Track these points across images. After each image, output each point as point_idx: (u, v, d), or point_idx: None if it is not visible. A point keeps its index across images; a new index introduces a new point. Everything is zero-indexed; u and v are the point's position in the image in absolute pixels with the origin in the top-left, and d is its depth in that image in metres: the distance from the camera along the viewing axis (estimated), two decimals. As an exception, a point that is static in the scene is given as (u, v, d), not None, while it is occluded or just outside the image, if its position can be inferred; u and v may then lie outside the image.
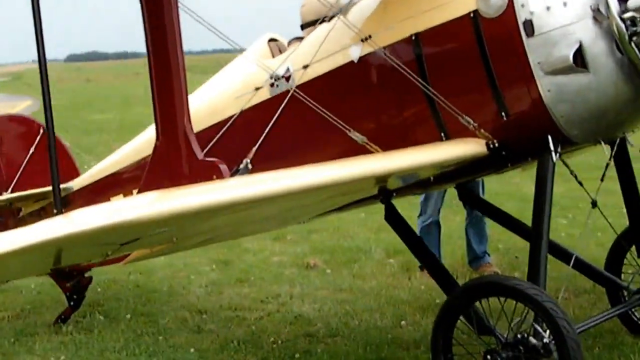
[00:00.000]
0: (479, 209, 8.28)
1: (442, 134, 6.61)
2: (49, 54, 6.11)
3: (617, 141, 6.89)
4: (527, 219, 11.71)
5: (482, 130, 6.42)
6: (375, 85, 6.81)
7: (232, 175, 6.35)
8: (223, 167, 5.93)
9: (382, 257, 10.93)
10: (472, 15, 6.37)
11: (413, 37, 6.62)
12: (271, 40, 7.75)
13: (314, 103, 6.57)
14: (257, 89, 7.14)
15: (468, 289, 6.33)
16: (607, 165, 7.08)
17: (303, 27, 7.55)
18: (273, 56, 7.65)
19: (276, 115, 6.96)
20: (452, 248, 10.92)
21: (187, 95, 6.13)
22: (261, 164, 6.88)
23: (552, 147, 6.34)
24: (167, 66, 6.12)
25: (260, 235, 12.03)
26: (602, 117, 6.31)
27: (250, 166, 6.48)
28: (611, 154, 7.03)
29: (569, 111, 6.23)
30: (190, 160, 6.05)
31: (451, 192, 10.31)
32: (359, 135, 6.55)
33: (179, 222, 5.00)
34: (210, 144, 7.07)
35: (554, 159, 6.36)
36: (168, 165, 6.09)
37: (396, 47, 6.72)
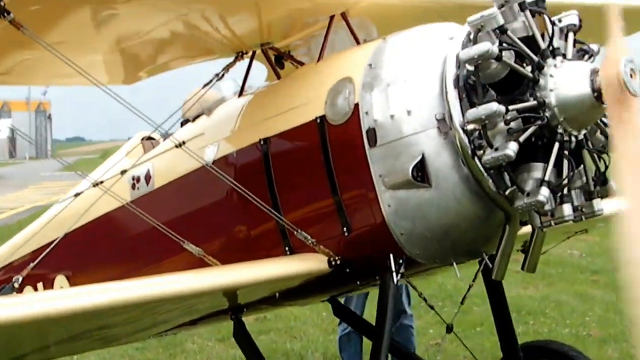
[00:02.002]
0: (353, 326, 7.54)
1: (287, 249, 5.99)
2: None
3: (483, 261, 6.05)
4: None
5: (321, 246, 5.79)
6: (220, 194, 6.24)
7: None
8: None
9: (312, 364, 10.13)
10: (318, 120, 5.76)
11: (261, 142, 6.04)
12: (147, 138, 7.22)
13: (143, 212, 5.98)
14: (77, 194, 6.61)
15: None
16: (470, 287, 6.30)
17: (182, 124, 7.04)
18: None
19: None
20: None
21: None
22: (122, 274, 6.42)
23: (392, 268, 5.66)
24: None
25: (207, 334, 11.38)
26: (445, 236, 5.63)
27: (17, 285, 5.87)
28: (475, 275, 6.26)
29: (410, 229, 5.59)
30: None
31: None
32: (194, 247, 5.91)
33: None
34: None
35: (395, 280, 5.63)
36: None
37: (244, 152, 6.17)
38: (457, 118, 5.34)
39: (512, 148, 5.13)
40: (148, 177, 6.76)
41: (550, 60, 5.30)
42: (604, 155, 5.58)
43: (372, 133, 5.55)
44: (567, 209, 5.36)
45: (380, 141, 5.53)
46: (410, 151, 5.45)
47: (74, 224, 6.87)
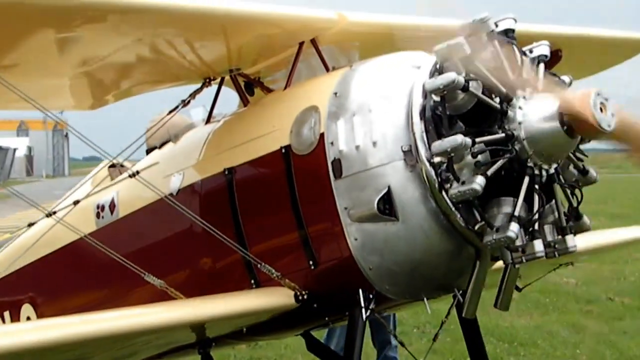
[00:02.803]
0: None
1: (253, 282, 5.68)
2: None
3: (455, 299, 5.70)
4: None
5: (286, 280, 5.47)
6: (185, 225, 5.93)
7: None
8: None
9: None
10: (283, 150, 5.46)
11: (226, 172, 5.74)
12: (113, 166, 6.91)
13: (99, 243, 5.67)
14: (30, 224, 6.30)
15: None
16: (443, 323, 5.97)
17: (147, 152, 6.76)
18: None
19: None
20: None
21: None
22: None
23: (362, 303, 5.32)
24: None
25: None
26: (415, 271, 5.31)
27: None
28: (448, 311, 5.92)
29: (378, 263, 5.28)
30: None
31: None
32: (156, 280, 5.60)
33: None
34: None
35: (364, 315, 5.30)
36: None
37: (209, 181, 5.88)
38: (423, 150, 5.04)
39: (479, 182, 4.84)
40: (112, 206, 6.48)
41: (519, 92, 5.00)
42: (578, 190, 5.27)
43: (337, 164, 5.26)
44: (538, 245, 5.05)
45: (346, 172, 5.23)
46: (376, 183, 5.15)
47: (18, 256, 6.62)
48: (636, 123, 5.02)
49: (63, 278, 6.89)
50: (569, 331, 12.32)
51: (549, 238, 5.16)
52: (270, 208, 5.63)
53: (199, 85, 6.21)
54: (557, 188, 5.14)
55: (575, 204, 5.25)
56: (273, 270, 5.48)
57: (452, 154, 4.87)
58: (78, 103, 6.55)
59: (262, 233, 5.66)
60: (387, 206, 5.12)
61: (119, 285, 6.31)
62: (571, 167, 5.24)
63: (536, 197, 5.01)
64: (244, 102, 6.22)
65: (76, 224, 6.44)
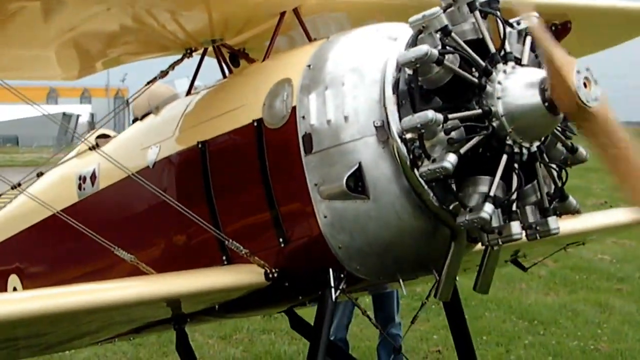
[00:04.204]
0: (313, 342, 6.93)
1: (224, 258, 5.44)
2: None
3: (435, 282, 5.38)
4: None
5: (255, 257, 5.22)
6: (159, 199, 5.66)
7: None
8: None
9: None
10: (255, 124, 5.19)
11: (199, 145, 5.50)
12: (101, 136, 6.70)
13: (70, 219, 5.45)
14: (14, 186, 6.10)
15: None
16: (423, 304, 5.70)
17: (132, 122, 6.54)
18: None
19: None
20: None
21: None
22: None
23: (331, 283, 5.06)
24: None
25: (209, 331, 10.84)
26: (386, 252, 5.04)
27: None
28: (429, 293, 5.63)
29: (348, 242, 5.01)
30: None
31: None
32: (126, 254, 5.37)
33: None
34: None
35: (333, 296, 5.04)
36: None
37: (183, 155, 5.65)
38: (395, 126, 4.74)
39: (450, 160, 4.54)
40: (93, 178, 6.28)
41: (500, 66, 4.69)
42: (565, 169, 4.95)
43: (308, 139, 4.99)
44: (515, 226, 4.76)
45: (316, 148, 4.97)
46: (346, 160, 4.87)
47: None
48: (614, 122, 4.66)
49: (46, 250, 6.74)
50: (594, 310, 11.89)
51: (531, 219, 4.87)
52: (241, 183, 5.39)
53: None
54: (539, 167, 4.80)
55: (560, 184, 4.92)
56: (241, 248, 5.24)
57: (423, 130, 4.56)
58: (64, 72, 6.33)
59: (233, 209, 5.43)
60: (359, 183, 4.84)
61: (100, 258, 6.09)
62: (559, 145, 4.91)
63: (515, 177, 4.69)
64: (223, 74, 5.96)
65: (59, 195, 6.31)
